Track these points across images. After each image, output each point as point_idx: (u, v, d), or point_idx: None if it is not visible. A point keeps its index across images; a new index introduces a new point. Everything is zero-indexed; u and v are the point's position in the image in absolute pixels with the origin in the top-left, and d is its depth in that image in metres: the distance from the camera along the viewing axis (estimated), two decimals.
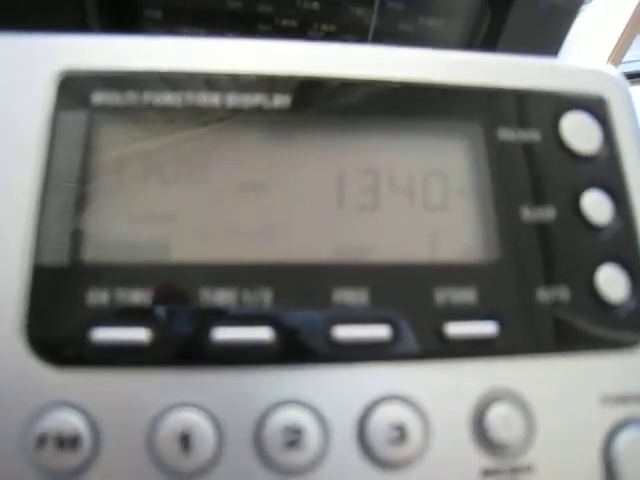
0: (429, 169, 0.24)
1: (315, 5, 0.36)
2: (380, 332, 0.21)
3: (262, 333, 0.20)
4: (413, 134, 0.24)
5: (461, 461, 0.21)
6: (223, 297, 0.21)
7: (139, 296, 0.20)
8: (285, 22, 0.36)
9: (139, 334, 0.20)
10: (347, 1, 0.36)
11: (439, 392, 0.21)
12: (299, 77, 0.24)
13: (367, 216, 0.23)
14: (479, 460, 0.21)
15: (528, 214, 0.23)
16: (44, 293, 0.20)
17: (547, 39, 0.34)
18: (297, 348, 0.21)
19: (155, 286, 0.21)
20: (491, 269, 0.22)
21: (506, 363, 0.22)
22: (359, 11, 0.36)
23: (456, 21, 0.37)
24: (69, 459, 0.19)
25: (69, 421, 0.19)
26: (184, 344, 0.20)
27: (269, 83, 0.23)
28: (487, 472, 0.21)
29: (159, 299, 0.20)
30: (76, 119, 0.22)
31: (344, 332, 0.21)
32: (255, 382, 0.20)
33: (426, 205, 0.23)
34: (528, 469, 0.21)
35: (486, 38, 0.36)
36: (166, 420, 0.20)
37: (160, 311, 0.20)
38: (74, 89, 0.23)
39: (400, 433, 0.20)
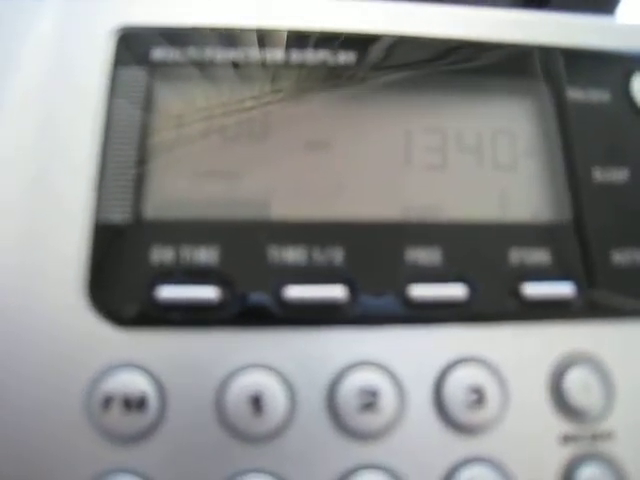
0: (497, 128, 0.23)
1: None
2: (456, 291, 0.20)
3: (335, 291, 0.19)
4: (480, 93, 0.23)
5: (540, 426, 0.20)
6: (292, 255, 0.20)
7: (206, 254, 0.20)
8: None
9: (207, 292, 0.19)
10: None
11: (516, 354, 0.20)
12: (364, 34, 0.23)
13: (435, 175, 0.22)
14: (558, 426, 0.20)
15: (600, 175, 0.22)
16: (106, 251, 0.20)
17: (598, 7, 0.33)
18: (372, 307, 0.20)
19: (222, 244, 0.20)
20: (564, 230, 0.22)
21: (584, 326, 0.21)
22: None
23: None
24: (135, 421, 0.18)
25: (135, 382, 0.19)
26: (254, 303, 0.19)
27: (333, 40, 0.22)
28: (567, 438, 0.20)
29: (227, 257, 0.19)
30: (136, 75, 0.22)
31: (420, 291, 0.20)
32: (328, 342, 0.20)
33: (495, 164, 0.22)
34: (608, 436, 0.20)
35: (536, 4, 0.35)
36: (236, 382, 0.19)
37: (229, 269, 0.19)
38: (133, 45, 0.22)
39: (478, 396, 0.20)
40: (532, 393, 0.20)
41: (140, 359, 0.19)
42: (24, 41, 0.22)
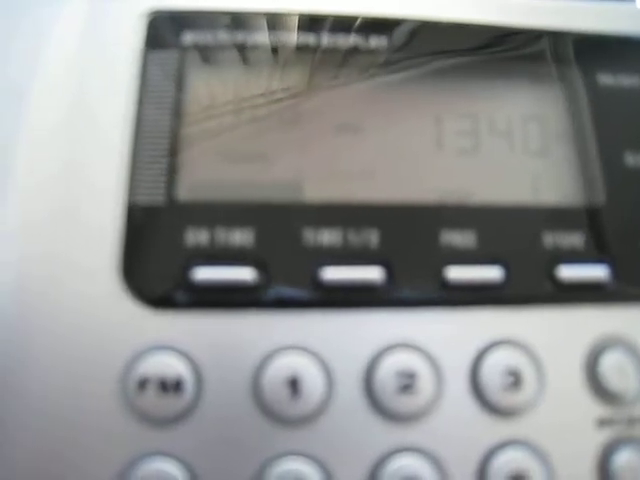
0: (528, 113, 0.23)
1: None
2: (492, 273, 0.20)
3: (371, 273, 0.19)
4: (511, 79, 0.23)
5: (576, 410, 0.20)
6: (328, 237, 0.20)
7: (240, 236, 0.19)
8: None
9: (243, 274, 0.19)
10: None
11: (551, 337, 0.20)
12: (395, 19, 0.23)
13: (467, 159, 0.22)
14: (594, 409, 0.20)
15: (631, 159, 0.22)
16: (140, 233, 0.20)
17: None
18: (408, 289, 0.20)
19: (257, 226, 0.20)
20: (597, 213, 0.21)
21: (619, 309, 0.21)
22: None
23: None
24: (171, 404, 0.18)
25: (171, 365, 0.18)
26: (290, 285, 0.19)
27: (365, 24, 0.22)
28: (603, 422, 0.20)
29: (262, 239, 0.19)
30: (167, 59, 0.22)
31: (456, 273, 0.20)
32: (365, 324, 0.19)
33: (526, 149, 0.22)
34: None
35: None
36: (273, 364, 0.19)
37: (264, 251, 0.19)
38: (164, 29, 0.22)
39: (514, 378, 0.20)
40: (568, 376, 0.20)
41: (175, 341, 0.19)
42: (57, 24, 0.22)
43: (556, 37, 0.24)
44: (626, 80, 0.23)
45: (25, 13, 0.22)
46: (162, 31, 0.22)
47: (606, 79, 0.23)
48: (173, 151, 0.20)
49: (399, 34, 0.23)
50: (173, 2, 0.22)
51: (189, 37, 0.22)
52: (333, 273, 0.19)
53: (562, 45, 0.24)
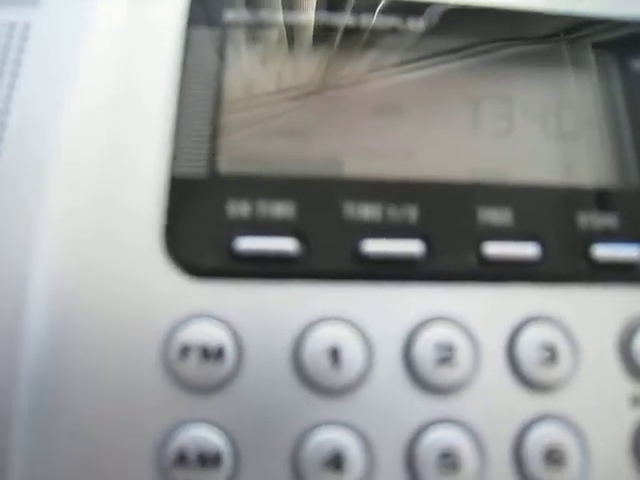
0: (562, 97, 0.23)
1: None
2: (529, 250, 0.20)
3: (411, 247, 0.20)
4: (545, 63, 0.23)
5: (610, 386, 0.20)
6: (368, 211, 0.20)
7: (282, 208, 0.20)
8: None
9: (285, 244, 0.19)
10: None
11: (586, 314, 0.20)
12: (434, 2, 0.23)
13: (503, 140, 0.22)
14: (628, 386, 0.20)
15: None
16: (182, 205, 0.20)
17: None
18: (447, 263, 0.20)
19: (298, 199, 0.20)
20: (631, 195, 0.22)
21: None
22: None
23: None
24: (213, 371, 0.19)
25: (213, 332, 0.19)
26: (333, 255, 0.19)
27: (403, 6, 0.23)
28: (637, 400, 0.20)
29: (303, 211, 0.20)
30: (209, 36, 0.22)
31: (494, 249, 0.20)
32: (404, 297, 0.20)
33: (560, 132, 0.23)
34: None
35: None
36: (314, 334, 0.19)
37: (305, 223, 0.20)
38: (206, 6, 0.22)
39: (550, 354, 0.20)
40: (602, 353, 0.20)
41: (218, 310, 0.19)
42: (101, 4, 0.22)
43: (591, 22, 0.24)
44: None
45: None
46: (205, 8, 0.22)
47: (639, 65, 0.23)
48: (215, 126, 0.21)
49: (437, 17, 0.23)
50: None
51: (230, 15, 0.22)
52: (373, 246, 0.20)
53: (596, 31, 0.24)
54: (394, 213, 0.20)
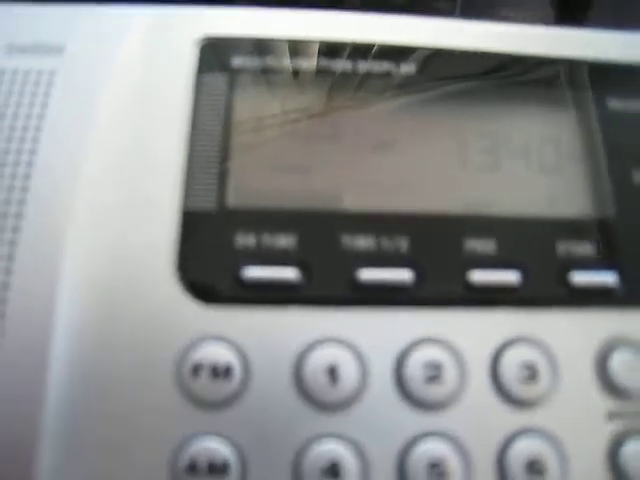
0: (544, 135, 0.25)
1: (400, 0, 0.38)
2: (511, 277, 0.22)
3: (403, 275, 0.22)
4: (529, 103, 0.26)
5: (587, 403, 0.22)
6: (364, 242, 0.22)
7: (285, 239, 0.22)
8: None
9: (288, 273, 0.21)
10: None
11: (565, 336, 0.22)
12: (424, 48, 0.25)
13: (488, 175, 0.24)
14: (604, 403, 0.22)
15: (639, 176, 0.25)
16: (194, 236, 0.22)
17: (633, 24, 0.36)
18: (435, 289, 0.22)
19: (300, 231, 0.22)
20: (607, 225, 0.24)
21: (627, 312, 0.23)
22: (442, 4, 0.38)
23: (536, 12, 0.39)
24: (222, 388, 0.21)
25: (222, 353, 0.21)
26: (331, 283, 0.22)
27: (397, 52, 0.25)
28: (612, 414, 0.22)
29: (305, 242, 0.22)
30: (218, 80, 0.24)
31: (478, 276, 0.22)
32: (397, 321, 0.22)
33: (542, 166, 0.25)
34: None
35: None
36: (314, 354, 0.21)
37: (307, 253, 0.22)
38: (215, 53, 0.25)
39: (531, 372, 0.22)
40: (580, 372, 0.22)
41: (226, 333, 0.21)
42: (118, 49, 0.25)
43: (570, 64, 0.26)
44: (633, 105, 0.26)
45: (95, 39, 0.25)
46: (214, 56, 0.25)
47: (615, 104, 0.26)
48: (224, 163, 0.23)
49: (427, 62, 0.25)
50: (224, 30, 0.25)
51: (238, 61, 0.25)
52: (368, 274, 0.22)
53: (576, 72, 0.26)
54: (387, 244, 0.22)
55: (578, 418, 0.22)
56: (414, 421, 0.21)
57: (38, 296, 0.20)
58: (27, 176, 0.22)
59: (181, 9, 0.26)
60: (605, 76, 0.26)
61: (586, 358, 0.22)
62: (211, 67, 0.24)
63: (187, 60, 0.24)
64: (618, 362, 0.22)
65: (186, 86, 0.24)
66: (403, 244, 0.22)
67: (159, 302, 0.21)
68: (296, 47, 0.25)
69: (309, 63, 0.24)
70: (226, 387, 0.20)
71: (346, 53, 0.25)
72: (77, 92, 0.24)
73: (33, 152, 0.23)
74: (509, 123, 0.25)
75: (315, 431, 0.20)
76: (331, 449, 0.20)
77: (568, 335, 0.22)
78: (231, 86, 0.24)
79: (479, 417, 0.21)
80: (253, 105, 0.24)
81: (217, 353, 0.21)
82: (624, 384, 0.22)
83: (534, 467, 0.20)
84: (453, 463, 0.20)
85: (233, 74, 0.24)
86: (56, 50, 0.25)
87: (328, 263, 0.21)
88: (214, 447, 0.20)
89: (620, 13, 0.36)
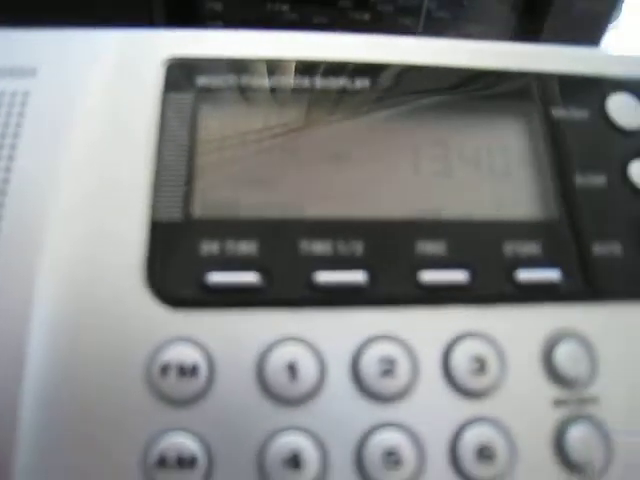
0: (493, 142, 0.27)
1: (366, 16, 0.40)
2: (459, 276, 0.24)
3: (357, 276, 0.23)
4: (479, 113, 0.28)
5: (534, 392, 0.23)
6: (321, 247, 0.24)
7: (247, 246, 0.24)
8: (337, 32, 0.40)
9: (249, 277, 0.23)
10: (396, 11, 0.40)
11: (512, 330, 0.24)
12: (377, 63, 0.27)
13: (440, 181, 0.26)
14: (550, 391, 0.23)
15: (581, 180, 0.27)
16: (162, 245, 0.24)
17: (585, 40, 0.38)
18: (388, 290, 0.24)
19: (261, 238, 0.24)
20: (552, 226, 0.26)
21: (570, 307, 0.25)
22: (407, 21, 0.40)
23: (496, 28, 0.41)
24: (189, 386, 0.22)
25: (188, 353, 0.22)
26: (291, 286, 0.23)
27: (351, 68, 0.27)
28: (558, 402, 0.23)
29: (265, 249, 0.24)
30: (183, 98, 0.26)
31: (429, 276, 0.24)
32: (352, 320, 0.23)
33: (491, 172, 0.26)
34: (593, 400, 0.24)
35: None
36: (274, 352, 0.23)
37: (267, 259, 0.23)
38: (181, 73, 0.26)
39: (480, 365, 0.23)
40: (527, 363, 0.24)
41: (192, 334, 0.23)
42: (87, 70, 0.26)
43: (518, 77, 0.28)
44: (577, 114, 0.28)
45: (66, 61, 0.26)
46: (179, 76, 0.26)
47: (560, 113, 0.28)
48: (189, 176, 0.25)
49: (380, 77, 0.27)
50: (189, 51, 0.27)
51: (202, 80, 0.26)
52: (325, 276, 0.23)
53: (522, 84, 0.28)
54: (343, 248, 0.24)
55: (525, 406, 0.23)
56: (370, 413, 0.22)
57: (13, 301, 0.22)
58: (3, 192, 0.24)
59: (148, 31, 0.27)
60: (550, 87, 0.28)
61: (533, 350, 0.24)
62: (177, 86, 0.26)
63: (154, 79, 0.26)
64: (562, 353, 0.24)
65: (153, 104, 0.25)
66: (358, 248, 0.24)
67: (129, 307, 0.23)
68: (256, 66, 0.26)
69: (268, 81, 0.26)
70: (192, 385, 0.22)
71: (303, 71, 0.26)
72: (50, 112, 0.25)
73: (8, 170, 0.24)
74: (460, 132, 0.27)
75: (277, 425, 0.22)
76: (292, 441, 0.22)
77: (515, 329, 0.24)
78: (196, 104, 0.25)
79: (432, 408, 0.23)
80: (217, 122, 0.25)
81: (184, 353, 0.22)
82: (568, 373, 0.23)
83: (484, 453, 0.22)
84: (407, 451, 0.22)
85: (198, 92, 0.26)
86: (29, 72, 0.26)
87: (287, 267, 0.23)
88: (182, 442, 0.21)
89: (572, 29, 0.38)
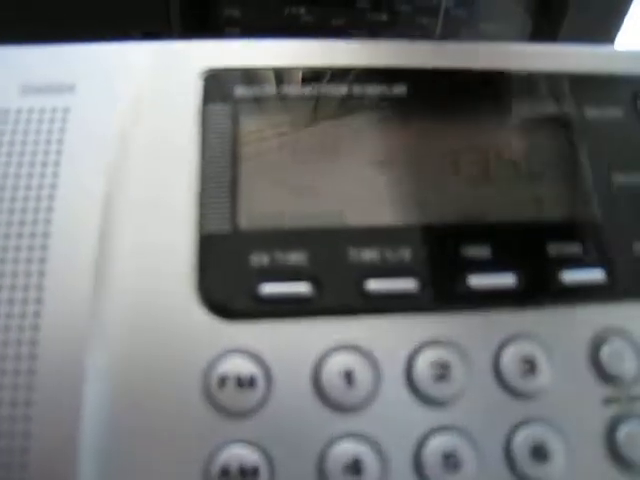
0: (529, 144, 0.27)
1: (384, 17, 0.40)
2: (507, 280, 0.24)
3: (407, 284, 0.24)
4: (513, 115, 0.28)
5: (584, 391, 0.24)
6: (369, 255, 0.24)
7: (296, 256, 0.24)
8: (355, 33, 0.40)
9: (300, 288, 0.23)
10: (414, 11, 0.40)
11: (560, 331, 0.24)
12: (413, 69, 0.28)
13: (481, 184, 0.26)
14: (600, 390, 0.24)
15: (619, 179, 0.27)
16: (212, 258, 0.24)
17: (602, 38, 0.38)
18: (437, 295, 0.24)
19: (309, 248, 0.24)
20: (593, 226, 0.26)
21: (615, 306, 0.25)
22: (425, 21, 0.40)
23: (514, 26, 0.41)
24: (248, 397, 0.22)
25: (245, 364, 0.23)
26: (342, 294, 0.24)
27: (388, 75, 0.27)
28: (607, 400, 0.24)
29: (314, 258, 0.24)
30: (222, 110, 0.26)
31: (476, 280, 0.24)
32: (405, 325, 0.24)
33: (530, 174, 0.27)
34: None
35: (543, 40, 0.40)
36: (330, 360, 0.23)
37: (317, 268, 0.24)
38: (218, 85, 0.26)
39: (530, 366, 0.24)
40: (575, 363, 0.24)
41: (248, 346, 0.23)
42: (124, 84, 0.27)
43: (550, 78, 0.28)
44: (610, 112, 0.28)
45: (103, 76, 0.27)
46: (217, 87, 0.26)
47: (593, 112, 0.28)
48: (233, 187, 0.25)
49: (417, 81, 0.27)
50: (224, 61, 0.27)
51: (240, 91, 0.27)
52: (375, 284, 0.24)
53: (555, 84, 0.28)
54: (391, 255, 0.24)
55: (576, 406, 0.24)
56: (426, 417, 0.23)
57: (69, 320, 0.22)
58: (50, 209, 0.24)
59: (182, 43, 0.27)
60: (582, 87, 0.28)
61: (580, 350, 0.24)
62: (215, 97, 0.26)
63: (192, 92, 0.26)
64: (609, 352, 0.24)
65: (193, 116, 0.26)
66: (405, 254, 0.24)
67: (183, 321, 0.23)
68: (293, 74, 0.27)
69: (306, 89, 0.26)
70: (251, 396, 0.22)
71: (342, 78, 0.27)
72: (90, 127, 0.25)
73: (54, 186, 0.24)
74: (497, 135, 0.27)
75: (336, 432, 0.23)
76: (351, 447, 0.22)
77: (562, 329, 0.24)
78: (235, 114, 0.26)
79: (484, 409, 0.24)
80: (256, 131, 0.26)
81: (241, 365, 0.22)
82: (616, 371, 0.24)
83: (539, 452, 0.23)
84: (465, 453, 0.22)
85: (236, 103, 0.26)
86: (67, 88, 0.27)
87: (337, 276, 0.23)
88: (244, 453, 0.22)
89: (590, 27, 0.38)
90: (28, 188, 0.24)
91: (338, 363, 0.23)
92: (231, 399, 0.22)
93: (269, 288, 0.23)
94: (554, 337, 0.24)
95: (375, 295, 0.23)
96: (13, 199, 0.24)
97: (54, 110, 0.26)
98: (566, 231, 0.25)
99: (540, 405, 0.23)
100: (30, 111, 0.26)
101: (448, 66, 0.27)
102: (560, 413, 0.23)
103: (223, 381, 0.22)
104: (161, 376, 0.22)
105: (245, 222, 0.24)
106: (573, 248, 0.25)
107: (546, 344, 0.24)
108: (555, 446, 0.23)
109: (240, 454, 0.22)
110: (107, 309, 0.23)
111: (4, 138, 0.25)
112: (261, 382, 0.22)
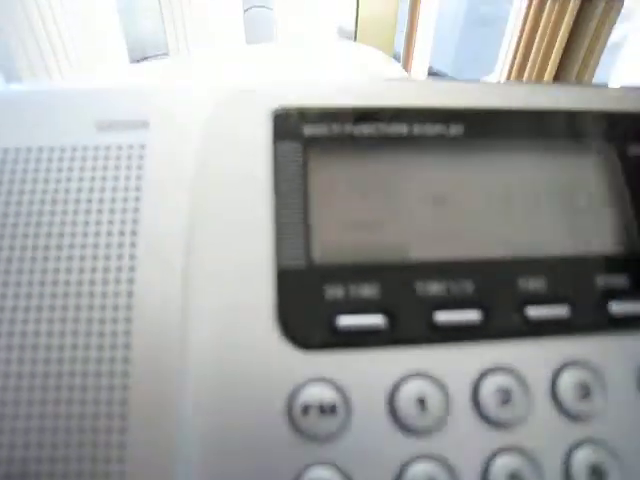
0: (576, 180, 0.30)
1: None
2: (561, 310, 0.27)
3: (472, 315, 0.26)
4: (560, 152, 0.30)
5: (634, 412, 0.26)
6: (436, 288, 0.26)
7: (369, 290, 0.26)
8: None
9: (375, 320, 0.25)
10: None
11: (610, 358, 0.27)
12: (468, 110, 0.30)
13: (533, 218, 0.29)
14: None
15: None
16: (289, 292, 0.26)
17: None
18: (500, 325, 0.26)
19: (380, 281, 0.26)
20: (637, 259, 0.28)
21: None
22: None
23: None
24: (330, 423, 0.24)
25: (326, 393, 0.25)
26: (413, 326, 0.26)
27: (446, 115, 0.29)
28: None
29: (386, 291, 0.26)
30: (293, 148, 0.28)
31: (534, 311, 0.26)
32: (470, 354, 0.26)
33: (577, 208, 0.29)
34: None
35: None
36: (404, 387, 0.25)
37: (390, 301, 0.26)
38: (287, 123, 0.28)
39: (585, 391, 0.26)
40: (625, 387, 0.26)
41: (327, 375, 0.25)
42: (197, 122, 0.28)
43: (593, 116, 0.31)
44: None
45: (175, 114, 0.28)
46: (287, 125, 0.28)
47: (634, 150, 0.30)
48: (307, 225, 0.27)
49: (472, 121, 0.29)
50: (295, 101, 0.29)
51: (309, 129, 0.28)
52: (444, 316, 0.26)
53: (597, 122, 0.31)
54: (455, 287, 0.26)
55: (629, 427, 0.26)
56: (493, 438, 0.25)
57: (161, 354, 0.24)
58: (133, 244, 0.26)
59: (250, 82, 0.29)
60: (622, 124, 0.30)
61: (629, 374, 0.26)
62: (286, 136, 0.28)
63: (263, 130, 0.28)
64: None
65: (265, 154, 0.27)
66: (468, 287, 0.26)
67: (266, 354, 0.25)
68: (358, 114, 0.29)
69: (371, 129, 0.28)
70: (333, 422, 0.24)
71: (403, 118, 0.29)
72: (167, 164, 0.27)
73: (136, 222, 0.26)
74: (545, 171, 0.29)
75: (411, 454, 0.24)
76: (426, 468, 0.24)
77: (612, 356, 0.26)
78: (305, 152, 0.28)
79: (544, 432, 0.25)
80: (326, 169, 0.28)
81: (322, 393, 0.24)
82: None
83: (596, 472, 0.25)
84: (528, 473, 0.25)
85: (306, 141, 0.28)
86: (141, 125, 0.28)
87: (408, 308, 0.26)
88: (326, 475, 0.24)
89: None
90: (111, 223, 0.26)
91: (411, 390, 0.25)
92: (314, 425, 0.24)
93: (345, 320, 0.25)
94: (605, 364, 0.26)
95: (443, 326, 0.25)
96: (97, 234, 0.26)
97: (131, 147, 0.27)
98: (612, 263, 0.28)
99: (595, 428, 0.25)
100: (107, 148, 0.27)
101: (497, 106, 0.29)
102: (614, 435, 0.25)
103: (306, 409, 0.24)
104: (247, 405, 0.24)
105: (319, 257, 0.26)
106: (619, 280, 0.27)
107: (601, 370, 0.26)
108: (612, 466, 0.25)
109: (323, 476, 0.24)
110: (193, 342, 0.24)
111: (85, 174, 0.26)
112: (341, 409, 0.24)
